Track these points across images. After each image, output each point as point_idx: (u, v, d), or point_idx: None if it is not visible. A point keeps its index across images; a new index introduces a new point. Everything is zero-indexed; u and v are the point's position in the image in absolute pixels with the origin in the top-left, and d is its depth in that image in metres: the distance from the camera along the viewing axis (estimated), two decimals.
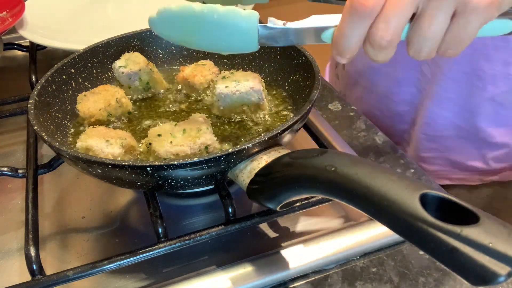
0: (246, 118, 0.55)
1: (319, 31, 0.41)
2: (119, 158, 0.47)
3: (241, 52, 0.44)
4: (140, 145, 0.51)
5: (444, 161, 0.76)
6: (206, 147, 0.47)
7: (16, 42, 0.83)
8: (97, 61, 0.62)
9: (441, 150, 0.75)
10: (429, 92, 0.72)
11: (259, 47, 0.43)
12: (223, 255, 0.48)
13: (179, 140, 0.46)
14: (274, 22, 0.42)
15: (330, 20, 0.41)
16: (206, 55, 0.66)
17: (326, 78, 0.98)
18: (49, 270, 0.42)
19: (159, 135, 0.47)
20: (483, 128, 0.70)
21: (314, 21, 0.41)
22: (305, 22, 0.41)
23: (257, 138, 0.42)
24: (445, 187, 0.76)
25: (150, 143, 0.46)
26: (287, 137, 0.46)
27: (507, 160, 0.72)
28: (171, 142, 0.46)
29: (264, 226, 0.51)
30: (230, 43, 0.43)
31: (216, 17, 0.42)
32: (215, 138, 0.48)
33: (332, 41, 0.40)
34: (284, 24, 0.42)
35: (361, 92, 0.84)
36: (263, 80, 0.57)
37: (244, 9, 0.42)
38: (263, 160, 0.42)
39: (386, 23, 0.37)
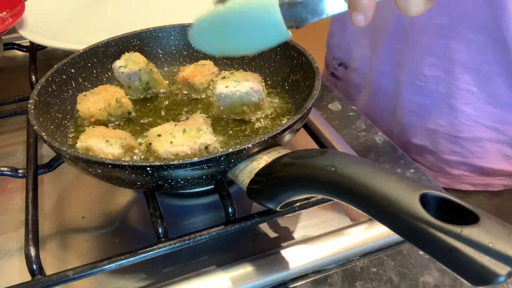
0: (246, 118, 0.55)
1: None
2: (119, 158, 0.47)
3: (277, 42, 0.43)
4: (140, 145, 0.51)
5: (468, 167, 0.74)
6: (206, 147, 0.47)
7: (16, 42, 0.83)
8: (97, 61, 0.62)
9: (466, 155, 0.73)
10: (449, 87, 0.70)
11: (290, 33, 0.42)
12: (223, 255, 0.48)
13: (179, 140, 0.46)
14: None
15: None
16: (206, 55, 0.66)
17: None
18: (49, 270, 0.42)
19: (159, 135, 0.47)
20: (508, 122, 0.68)
21: None
22: None
23: (257, 138, 0.42)
24: (467, 193, 0.75)
25: (150, 143, 0.46)
26: (287, 137, 0.46)
27: None
28: (171, 142, 0.46)
29: (264, 226, 0.51)
30: (261, 33, 0.42)
31: (237, 7, 0.41)
32: (215, 138, 0.48)
33: None
34: None
35: (367, 99, 0.83)
36: (263, 80, 0.57)
37: None
38: (263, 160, 0.42)
39: None
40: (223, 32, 0.44)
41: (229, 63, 0.65)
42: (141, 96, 0.61)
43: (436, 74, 0.70)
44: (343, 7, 0.40)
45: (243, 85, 0.53)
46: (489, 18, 0.63)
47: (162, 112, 0.58)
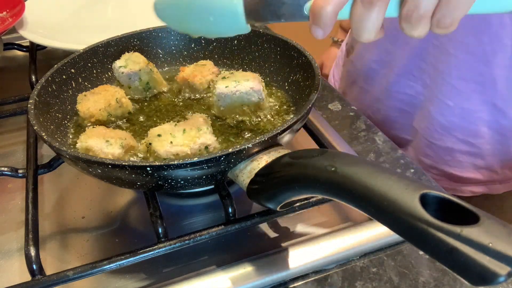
0: (246, 118, 0.55)
1: (302, 1, 0.39)
2: (119, 158, 0.47)
3: (235, 33, 0.44)
4: (140, 145, 0.51)
5: (439, 172, 0.76)
6: (206, 147, 0.47)
7: (16, 42, 0.83)
8: (97, 61, 0.62)
9: (438, 161, 0.75)
10: (429, 94, 0.71)
11: (249, 28, 0.42)
12: (223, 255, 0.48)
13: (179, 140, 0.46)
14: None
15: None
16: (206, 55, 0.66)
17: (331, 80, 0.97)
18: (49, 270, 0.42)
19: (159, 135, 0.47)
20: (480, 136, 0.70)
21: None
22: None
23: (257, 138, 0.42)
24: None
25: (150, 143, 0.46)
26: (287, 137, 0.46)
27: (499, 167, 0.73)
28: (171, 142, 0.46)
29: (264, 226, 0.51)
30: (221, 21, 0.42)
31: None
32: (215, 138, 0.48)
33: (312, 6, 0.38)
34: None
35: (357, 93, 0.84)
36: (263, 80, 0.57)
37: None
38: (263, 160, 0.42)
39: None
40: (185, 11, 0.44)
41: (229, 63, 0.66)
42: (141, 96, 0.61)
43: (423, 78, 0.71)
44: (302, 17, 0.40)
45: (243, 85, 0.53)
46: (470, 31, 0.63)
47: (162, 112, 0.58)
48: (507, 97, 0.66)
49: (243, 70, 0.64)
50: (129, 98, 0.59)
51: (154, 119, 0.57)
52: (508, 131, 0.69)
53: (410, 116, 0.77)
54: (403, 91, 0.75)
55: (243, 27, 0.42)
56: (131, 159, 0.49)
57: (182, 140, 0.46)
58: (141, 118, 0.57)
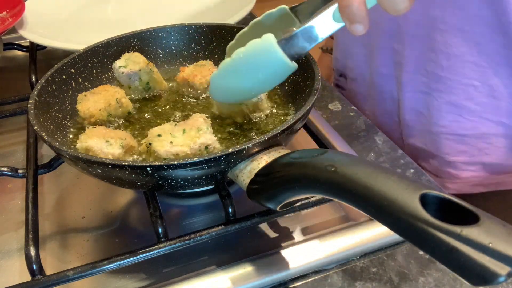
0: (245, 118, 0.55)
1: (329, 14, 0.42)
2: (119, 159, 0.47)
3: (285, 76, 0.47)
4: (140, 145, 0.51)
5: (477, 166, 0.71)
6: (206, 147, 0.47)
7: (16, 42, 0.83)
8: (97, 61, 0.62)
9: (473, 153, 0.70)
10: (448, 84, 0.67)
11: (295, 64, 0.45)
12: (223, 255, 0.48)
13: (179, 140, 0.46)
14: (286, 31, 0.44)
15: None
16: (206, 55, 0.66)
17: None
18: (49, 270, 0.42)
19: (159, 135, 0.47)
20: None
21: (322, 8, 0.43)
22: (315, 15, 0.43)
23: (257, 138, 0.42)
24: (480, 196, 0.72)
25: (150, 143, 0.46)
26: (287, 137, 0.46)
27: None
28: (171, 142, 0.46)
29: (264, 226, 0.51)
30: (270, 72, 0.46)
31: (242, 55, 0.45)
32: (215, 138, 0.48)
33: (340, 11, 0.40)
34: (297, 27, 0.43)
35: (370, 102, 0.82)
36: None
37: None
38: (263, 160, 0.42)
39: None
40: (236, 81, 0.48)
41: None
42: (141, 96, 0.61)
43: (435, 71, 0.68)
44: (335, 26, 0.42)
45: None
46: (483, 5, 0.60)
47: (162, 112, 0.58)
48: None
49: None
50: (129, 98, 0.59)
51: (154, 119, 0.57)
52: None
53: (426, 120, 0.72)
54: (419, 89, 0.71)
55: (291, 67, 0.45)
56: (131, 159, 0.49)
57: (182, 140, 0.46)
58: (141, 118, 0.57)
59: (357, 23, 0.40)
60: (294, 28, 0.43)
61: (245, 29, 0.54)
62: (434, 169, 0.74)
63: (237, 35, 0.55)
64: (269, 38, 0.44)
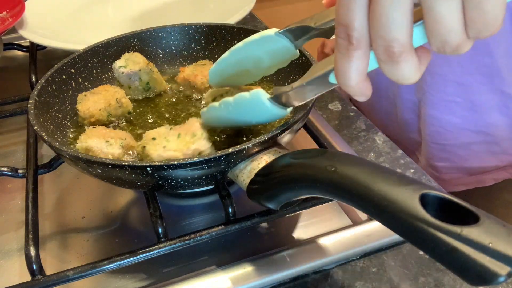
0: None
1: (324, 77, 0.38)
2: (119, 158, 0.47)
3: (277, 119, 0.46)
4: (137, 147, 0.51)
5: (458, 170, 0.75)
6: (200, 154, 0.46)
7: (16, 42, 0.83)
8: (97, 61, 0.62)
9: (454, 160, 0.74)
10: (430, 98, 0.71)
11: (287, 110, 0.44)
12: (223, 255, 0.48)
13: (173, 145, 0.45)
14: (277, 90, 0.42)
15: (330, 61, 0.37)
16: (206, 55, 0.66)
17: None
18: (49, 270, 0.42)
19: (153, 138, 0.46)
20: (493, 124, 0.70)
21: (317, 68, 0.38)
22: (308, 74, 0.39)
23: (257, 138, 0.42)
24: (462, 193, 0.76)
25: (144, 146, 0.46)
26: (287, 137, 0.46)
27: None
28: (164, 147, 0.45)
29: (264, 226, 0.51)
30: (259, 117, 0.46)
31: (231, 108, 0.45)
32: (210, 145, 0.47)
33: (336, 79, 0.35)
34: (291, 89, 0.41)
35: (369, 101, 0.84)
36: (256, 83, 0.57)
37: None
38: (263, 160, 0.42)
39: (386, 29, 0.30)
40: (226, 121, 0.48)
41: None
42: (141, 96, 0.61)
43: (419, 84, 0.71)
44: (326, 88, 0.39)
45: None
46: None
47: (163, 112, 0.58)
48: None
49: None
50: (129, 98, 0.59)
51: (155, 119, 0.57)
52: None
53: (415, 127, 0.77)
54: (406, 105, 0.75)
55: (283, 114, 0.44)
56: (131, 159, 0.49)
57: (176, 145, 0.45)
58: (141, 118, 0.57)
59: (357, 96, 0.35)
60: (286, 89, 0.41)
61: (226, 55, 0.49)
62: (422, 166, 0.78)
63: (218, 60, 0.50)
64: (259, 95, 0.43)
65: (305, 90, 0.40)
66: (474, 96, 0.68)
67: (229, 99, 0.45)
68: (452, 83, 0.68)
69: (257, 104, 0.43)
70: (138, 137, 0.53)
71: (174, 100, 0.61)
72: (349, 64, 0.33)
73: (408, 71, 0.32)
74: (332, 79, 0.37)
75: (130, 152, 0.50)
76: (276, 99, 0.42)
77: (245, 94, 0.43)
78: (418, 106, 0.74)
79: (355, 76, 0.33)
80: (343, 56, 0.33)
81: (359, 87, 0.34)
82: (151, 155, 0.45)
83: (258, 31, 0.62)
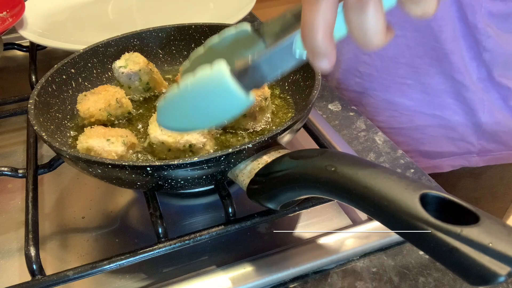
0: (246, 119, 0.55)
1: (290, 45, 0.35)
2: (122, 156, 0.48)
3: (240, 110, 0.39)
4: (142, 143, 0.51)
5: (414, 154, 0.76)
6: (191, 145, 0.47)
7: (16, 42, 0.83)
8: (97, 61, 0.62)
9: (410, 143, 0.75)
10: (383, 82, 0.72)
11: (252, 97, 0.38)
12: (223, 255, 0.48)
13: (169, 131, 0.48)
14: (241, 60, 0.37)
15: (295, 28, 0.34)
16: None
17: None
18: (49, 270, 0.42)
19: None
20: (447, 107, 0.70)
21: (284, 36, 0.35)
22: (275, 43, 0.36)
23: (257, 138, 0.42)
24: None
25: (149, 124, 0.49)
26: (287, 137, 0.46)
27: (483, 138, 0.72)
28: (162, 130, 0.48)
29: (264, 226, 0.51)
30: (221, 105, 0.39)
31: (189, 87, 0.38)
32: (205, 140, 0.48)
33: (302, 41, 0.33)
34: (256, 54, 0.36)
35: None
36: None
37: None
38: (263, 160, 0.42)
39: None
40: (185, 112, 0.41)
41: None
42: (141, 97, 0.61)
43: (369, 72, 0.72)
44: (295, 61, 0.36)
45: None
46: None
47: None
48: (463, 70, 0.67)
49: None
50: (129, 98, 0.59)
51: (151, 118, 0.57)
52: (473, 102, 0.69)
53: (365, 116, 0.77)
54: (352, 89, 0.75)
55: (245, 100, 0.38)
56: (136, 156, 0.49)
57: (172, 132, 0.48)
58: (141, 119, 0.57)
59: (321, 57, 0.33)
60: (250, 57, 0.36)
61: (200, 50, 0.46)
62: None
63: (192, 57, 0.47)
64: (221, 68, 0.36)
65: (271, 61, 0.36)
66: (425, 79, 0.69)
67: (189, 76, 0.38)
68: (403, 66, 0.69)
69: (218, 82, 0.37)
70: (138, 137, 0.54)
71: None
72: (317, 14, 0.31)
73: (375, 23, 0.31)
74: (298, 45, 0.35)
75: (140, 147, 0.50)
76: (240, 73, 0.36)
77: (206, 67, 0.37)
78: (361, 100, 0.75)
79: (322, 29, 0.32)
80: (310, 7, 0.31)
81: (324, 45, 0.32)
82: (150, 134, 0.48)
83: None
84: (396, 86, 0.71)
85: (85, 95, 0.55)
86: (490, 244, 0.27)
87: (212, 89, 0.38)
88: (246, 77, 0.36)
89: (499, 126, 0.71)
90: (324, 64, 0.33)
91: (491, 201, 0.78)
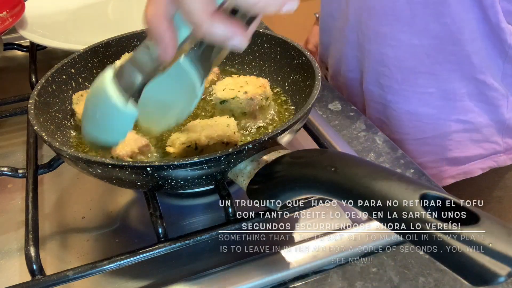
0: (246, 119, 0.55)
1: (146, 47, 0.36)
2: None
3: (126, 121, 0.39)
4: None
5: (442, 162, 0.75)
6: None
7: (16, 42, 0.83)
8: (97, 61, 0.62)
9: (437, 151, 0.74)
10: (404, 94, 0.71)
11: (132, 109, 0.37)
12: (223, 255, 0.48)
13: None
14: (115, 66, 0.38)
15: None
16: None
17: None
18: (49, 270, 0.42)
19: None
20: (470, 111, 0.70)
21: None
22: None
23: (257, 138, 0.42)
24: (450, 188, 0.76)
25: None
26: (287, 137, 0.46)
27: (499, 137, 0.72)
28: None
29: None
30: (105, 111, 0.38)
31: (90, 89, 0.41)
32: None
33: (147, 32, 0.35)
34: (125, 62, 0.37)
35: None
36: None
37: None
38: (263, 160, 0.42)
39: None
40: (92, 123, 0.41)
41: (229, 63, 0.65)
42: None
43: (389, 84, 0.72)
44: (154, 60, 0.37)
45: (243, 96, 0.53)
46: (430, 19, 0.64)
47: None
48: (485, 70, 0.67)
49: (242, 70, 0.64)
50: None
51: None
52: (496, 100, 0.69)
53: (388, 130, 0.76)
54: (376, 101, 0.75)
55: (123, 110, 0.37)
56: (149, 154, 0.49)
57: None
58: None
59: (160, 42, 0.35)
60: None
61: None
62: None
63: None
64: (106, 72, 0.38)
65: (137, 62, 0.37)
66: (446, 85, 0.69)
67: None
68: (423, 75, 0.69)
69: (101, 85, 0.38)
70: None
71: None
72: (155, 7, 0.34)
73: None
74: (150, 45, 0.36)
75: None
76: (119, 77, 0.38)
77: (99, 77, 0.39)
78: (385, 112, 0.75)
79: (157, 17, 0.34)
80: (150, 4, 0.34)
81: (160, 31, 0.34)
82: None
83: (258, 31, 0.62)
84: (417, 96, 0.70)
85: (81, 95, 0.55)
86: (490, 245, 0.27)
87: (99, 92, 0.38)
88: (124, 81, 0.37)
89: None
90: (161, 49, 0.35)
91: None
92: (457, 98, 0.69)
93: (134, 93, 0.38)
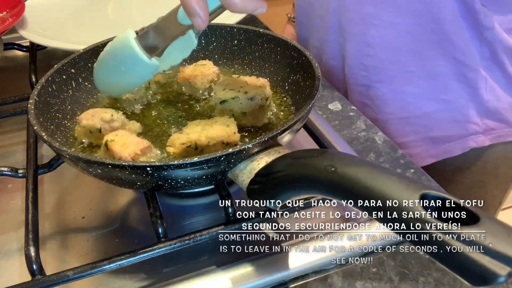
0: (247, 120, 0.55)
1: (174, 14, 0.45)
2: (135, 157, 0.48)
3: (147, 74, 0.50)
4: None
5: (424, 141, 0.77)
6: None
7: (16, 42, 0.83)
8: None
9: (418, 131, 0.75)
10: (388, 74, 0.72)
11: (156, 63, 0.48)
12: (223, 255, 0.48)
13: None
14: (142, 29, 0.48)
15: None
16: (206, 55, 0.66)
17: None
18: (49, 270, 0.42)
19: None
20: (452, 91, 0.71)
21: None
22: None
23: (257, 138, 0.42)
24: (429, 168, 0.77)
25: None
26: (287, 137, 0.46)
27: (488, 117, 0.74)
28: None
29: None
30: (131, 67, 0.49)
31: (109, 48, 0.50)
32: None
33: (182, 7, 0.42)
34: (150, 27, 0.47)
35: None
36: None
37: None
38: (263, 160, 0.42)
39: None
40: (108, 73, 0.51)
41: (229, 63, 0.65)
42: (141, 97, 0.61)
43: (373, 64, 0.73)
44: (181, 27, 0.46)
45: (243, 97, 0.53)
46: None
47: (163, 112, 0.58)
48: (465, 50, 0.68)
49: (243, 70, 0.64)
50: (129, 99, 0.59)
51: (154, 119, 0.57)
52: (475, 82, 0.70)
53: (372, 111, 0.78)
54: (360, 83, 0.76)
55: (148, 63, 0.48)
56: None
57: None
58: (142, 120, 0.57)
59: (196, 16, 0.41)
60: (146, 26, 0.47)
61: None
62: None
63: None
64: (128, 33, 0.48)
65: (162, 30, 0.47)
66: (428, 63, 0.70)
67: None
68: (405, 53, 0.70)
69: (125, 43, 0.47)
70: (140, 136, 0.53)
71: (175, 100, 0.61)
72: None
73: None
74: (180, 12, 0.44)
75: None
76: (142, 39, 0.47)
77: (120, 34, 0.49)
78: (369, 94, 0.76)
79: None
80: None
81: (198, 5, 0.40)
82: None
83: (258, 31, 0.62)
84: (401, 75, 0.72)
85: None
86: (490, 245, 0.27)
87: (122, 49, 0.48)
88: (147, 42, 0.47)
89: (499, 103, 0.73)
90: (198, 21, 0.41)
91: (495, 183, 0.79)
92: (439, 78, 0.71)
93: (158, 53, 0.48)
